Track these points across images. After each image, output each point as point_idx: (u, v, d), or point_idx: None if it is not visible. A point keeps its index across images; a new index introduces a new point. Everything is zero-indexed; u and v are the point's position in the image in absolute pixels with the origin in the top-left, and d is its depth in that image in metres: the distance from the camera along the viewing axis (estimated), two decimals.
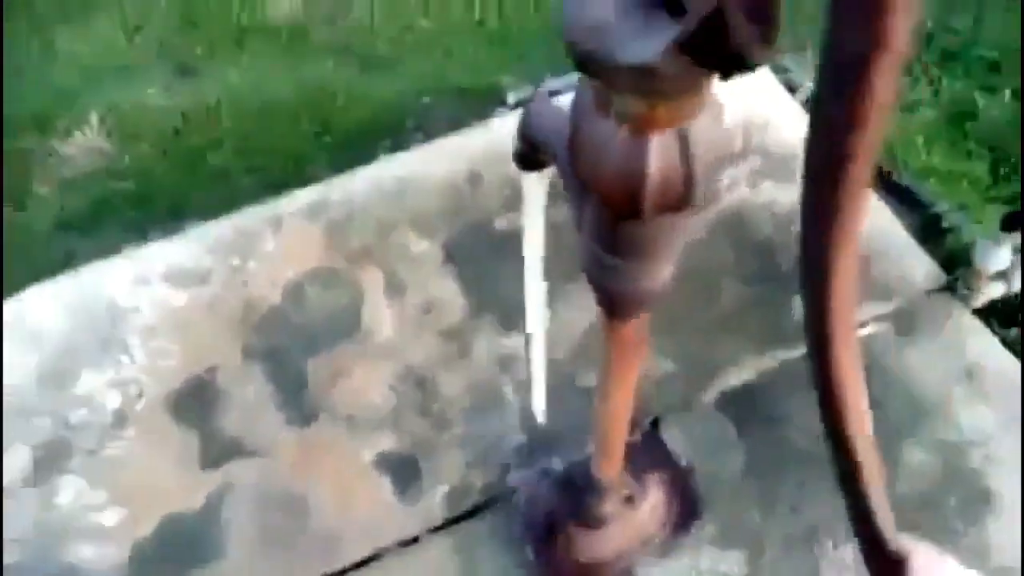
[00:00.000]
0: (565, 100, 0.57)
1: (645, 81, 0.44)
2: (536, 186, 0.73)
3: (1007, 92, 1.71)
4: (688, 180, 0.51)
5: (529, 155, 0.69)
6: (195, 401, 1.32)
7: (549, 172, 0.71)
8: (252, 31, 2.05)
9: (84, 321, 1.39)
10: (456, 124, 1.76)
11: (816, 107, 0.32)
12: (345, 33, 2.04)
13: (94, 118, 1.86)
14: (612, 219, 0.57)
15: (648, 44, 0.42)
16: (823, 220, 0.34)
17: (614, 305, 0.68)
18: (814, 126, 0.32)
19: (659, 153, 0.49)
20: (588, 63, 0.45)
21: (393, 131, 1.79)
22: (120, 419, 1.31)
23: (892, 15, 0.28)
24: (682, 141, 0.49)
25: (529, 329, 0.89)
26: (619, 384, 0.80)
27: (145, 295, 1.42)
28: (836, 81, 0.31)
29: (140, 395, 1.33)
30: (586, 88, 0.50)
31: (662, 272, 0.63)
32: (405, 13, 2.04)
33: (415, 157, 1.58)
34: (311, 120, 1.82)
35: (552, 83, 1.74)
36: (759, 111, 1.62)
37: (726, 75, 0.43)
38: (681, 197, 0.52)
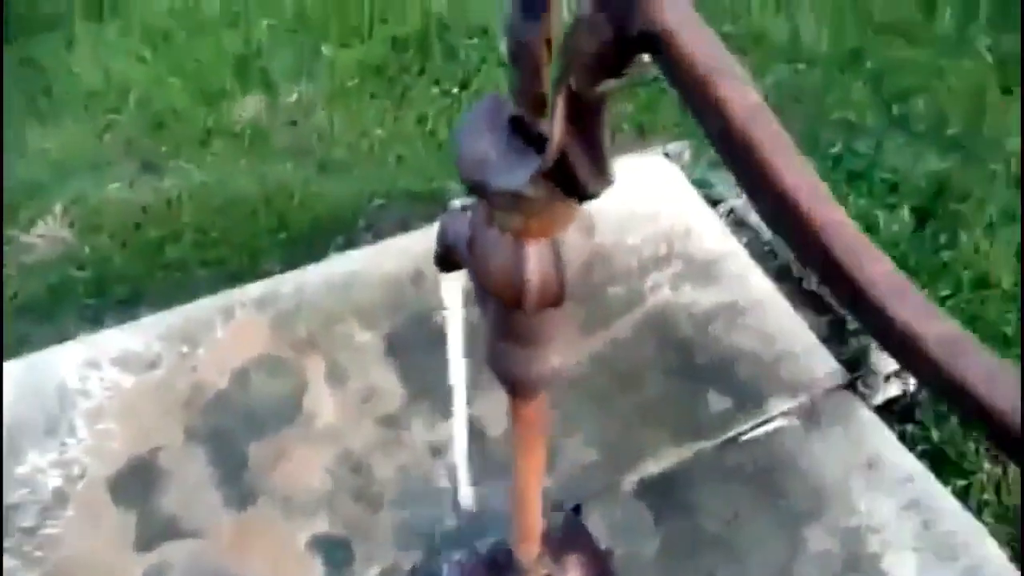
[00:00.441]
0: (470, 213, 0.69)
1: (517, 202, 0.56)
2: (454, 284, 0.84)
3: (905, 209, 1.90)
4: (561, 281, 0.62)
5: (446, 257, 0.80)
6: (136, 481, 1.37)
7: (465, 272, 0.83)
8: (217, 133, 2.19)
9: (33, 402, 1.44)
10: (404, 225, 1.89)
11: None
12: (305, 137, 2.19)
13: (58, 209, 1.95)
14: (504, 312, 0.68)
15: (517, 174, 0.54)
16: None
17: (514, 387, 0.78)
18: None
19: (536, 258, 0.61)
20: (476, 188, 0.57)
21: (345, 230, 1.90)
22: (60, 499, 1.34)
23: None
24: (554, 249, 0.61)
25: (454, 419, 0.98)
26: (527, 461, 0.89)
27: (95, 378, 1.48)
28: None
29: (82, 475, 1.37)
30: (480, 206, 0.62)
31: (552, 358, 0.73)
32: (362, 121, 2.20)
33: (364, 255, 1.69)
34: (268, 217, 1.94)
35: (462, 200, 1.90)
36: (682, 221, 1.78)
37: (580, 199, 0.55)
38: (557, 295, 0.63)
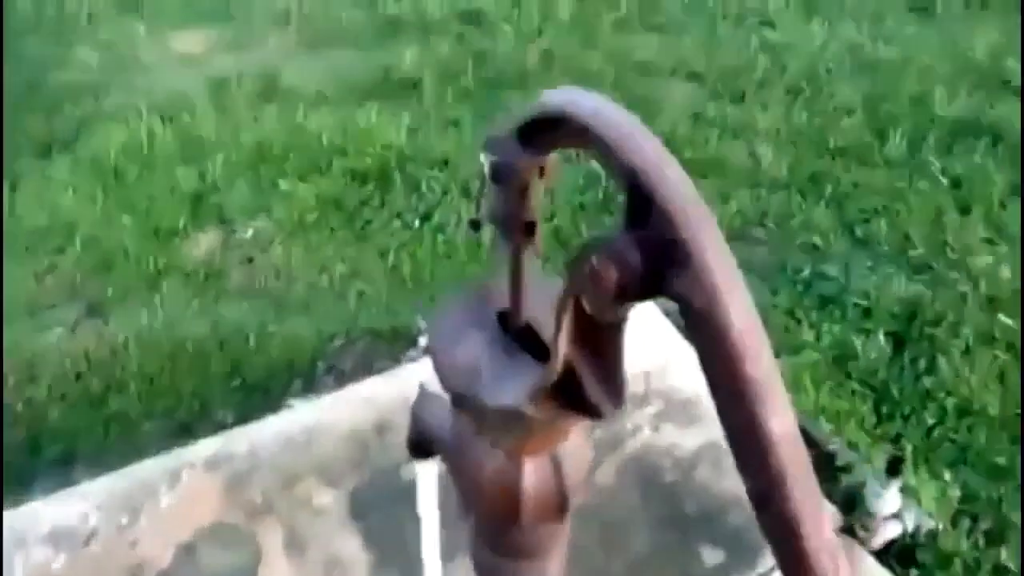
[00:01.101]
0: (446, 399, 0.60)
1: (514, 419, 0.47)
2: (429, 473, 0.74)
3: (880, 335, 1.87)
4: (562, 493, 0.53)
5: (421, 444, 0.71)
6: None
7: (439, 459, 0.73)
8: (168, 272, 2.10)
9: None
10: (367, 366, 1.80)
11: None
12: (262, 275, 2.10)
13: None
14: (496, 526, 0.58)
15: (513, 389, 0.46)
16: None
17: None
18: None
19: (533, 474, 0.52)
20: (462, 401, 0.48)
21: (304, 373, 1.80)
22: None
23: None
24: (554, 461, 0.52)
25: None
26: None
27: (19, 560, 1.31)
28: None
29: None
30: (464, 414, 0.53)
31: (549, 570, 0.63)
32: (321, 256, 2.13)
33: (324, 404, 1.58)
34: (221, 362, 1.82)
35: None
36: (658, 356, 1.71)
37: (586, 417, 0.47)
38: (557, 508, 0.54)
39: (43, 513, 1.39)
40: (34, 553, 1.33)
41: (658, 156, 0.35)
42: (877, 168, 2.36)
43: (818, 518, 0.38)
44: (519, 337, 0.50)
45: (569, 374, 0.44)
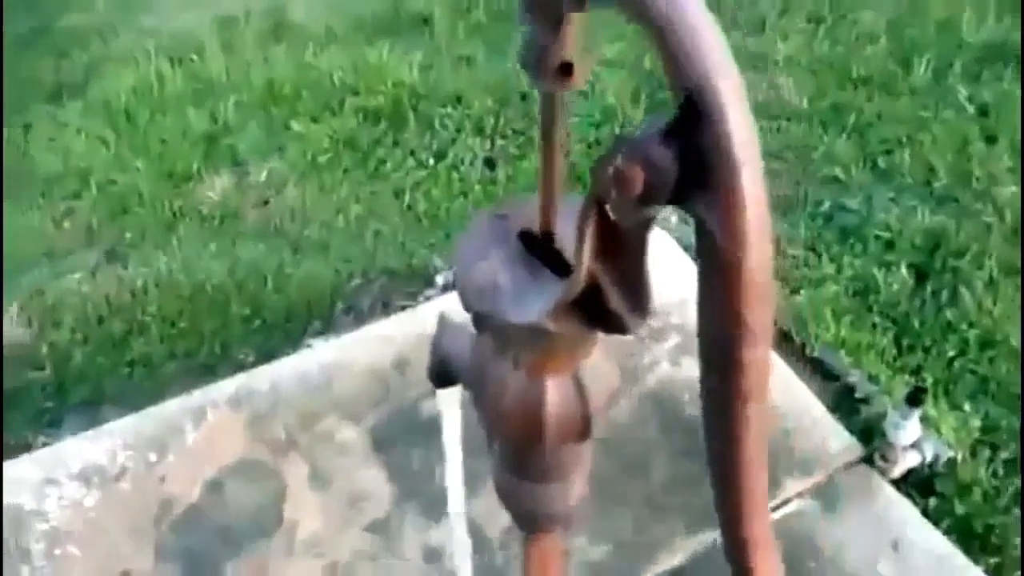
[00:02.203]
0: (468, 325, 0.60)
1: (536, 337, 0.47)
2: (451, 402, 0.74)
3: (903, 267, 1.84)
4: (585, 414, 0.53)
5: (442, 374, 0.71)
6: None
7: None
8: (184, 216, 2.09)
9: None
10: (385, 306, 1.80)
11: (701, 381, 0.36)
12: (277, 217, 2.10)
13: (14, 306, 1.83)
14: (519, 448, 0.58)
15: (535, 305, 0.45)
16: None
17: (528, 523, 0.68)
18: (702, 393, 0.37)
19: (556, 393, 0.51)
20: (483, 321, 0.47)
21: (323, 313, 1.80)
22: None
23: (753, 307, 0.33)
24: (576, 381, 0.52)
25: (453, 529, 0.88)
26: None
27: (53, 497, 1.35)
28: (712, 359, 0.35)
29: None
30: (486, 336, 0.53)
31: (572, 492, 0.64)
32: (336, 197, 2.12)
33: (343, 343, 1.59)
34: (240, 303, 1.83)
35: (445, 277, 1.80)
36: (675, 291, 1.70)
37: (610, 332, 0.46)
38: (579, 430, 0.54)
39: (73, 452, 1.42)
40: (67, 490, 1.36)
41: (730, 75, 0.33)
42: (901, 97, 2.30)
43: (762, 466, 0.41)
44: (542, 255, 0.49)
45: (592, 288, 0.43)
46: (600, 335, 0.51)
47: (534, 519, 0.66)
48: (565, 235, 0.47)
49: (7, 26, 2.70)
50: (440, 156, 2.20)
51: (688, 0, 0.32)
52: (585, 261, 0.40)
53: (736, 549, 0.44)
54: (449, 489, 0.84)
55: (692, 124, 0.33)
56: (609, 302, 0.43)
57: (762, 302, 0.35)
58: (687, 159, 0.33)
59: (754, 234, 0.34)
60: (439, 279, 1.85)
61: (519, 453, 0.58)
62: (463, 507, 0.84)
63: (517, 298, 0.46)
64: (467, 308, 0.47)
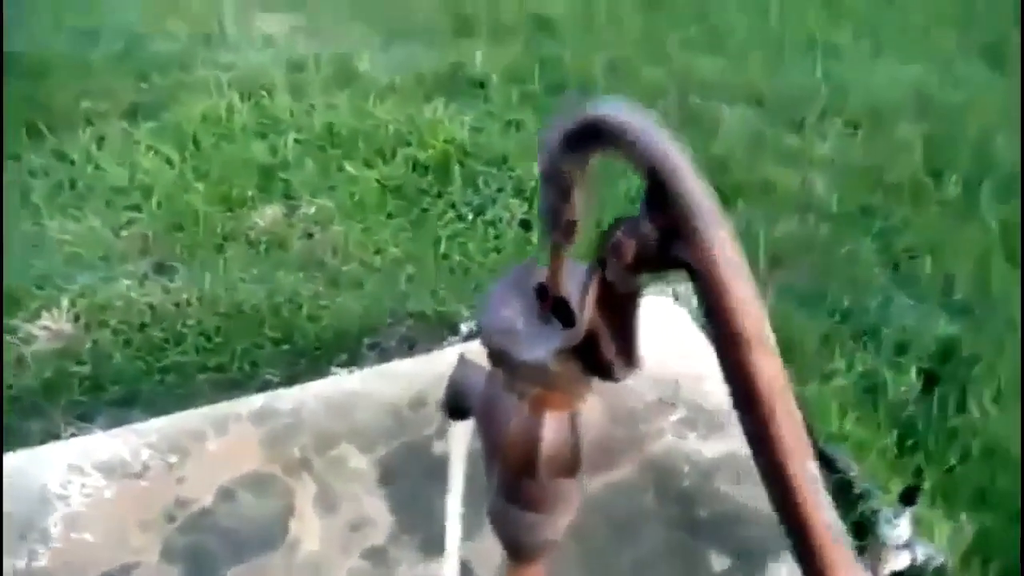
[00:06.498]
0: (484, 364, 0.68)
1: (540, 374, 0.55)
2: (462, 430, 0.82)
3: (913, 370, 1.89)
4: (576, 454, 0.60)
5: (456, 407, 0.78)
6: None
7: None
8: (233, 239, 2.22)
9: (10, 503, 1.39)
10: (410, 347, 1.89)
11: None
12: (320, 250, 2.21)
13: (64, 302, 1.95)
14: (514, 477, 0.65)
15: (542, 347, 0.53)
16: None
17: (516, 550, 0.74)
18: None
19: (552, 429, 0.59)
20: (498, 357, 0.56)
21: (350, 346, 1.89)
22: None
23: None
24: (572, 421, 0.59)
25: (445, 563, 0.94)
26: None
27: (76, 483, 1.43)
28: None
29: None
30: (499, 371, 0.61)
31: (558, 523, 0.70)
32: (377, 238, 2.23)
33: (365, 376, 1.67)
34: (274, 327, 1.93)
35: (469, 326, 1.89)
36: (689, 366, 1.76)
37: (603, 378, 0.54)
38: (571, 467, 0.61)
39: (101, 446, 1.50)
40: (90, 480, 1.45)
41: (674, 154, 0.42)
42: (929, 207, 2.38)
43: (804, 451, 0.47)
44: (553, 309, 0.57)
45: (591, 340, 0.51)
46: (599, 382, 0.59)
47: (523, 546, 0.73)
48: (573, 294, 0.55)
49: (104, 46, 2.91)
50: (480, 212, 2.31)
51: (646, 124, 0.42)
52: (586, 314, 0.49)
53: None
54: (448, 518, 0.91)
55: (660, 198, 0.42)
56: (604, 352, 0.51)
57: (749, 304, 0.42)
58: (664, 226, 0.41)
59: (723, 255, 0.41)
60: (463, 327, 1.93)
61: (514, 480, 0.66)
62: (458, 535, 0.90)
63: (528, 340, 0.54)
64: (486, 345, 0.56)
